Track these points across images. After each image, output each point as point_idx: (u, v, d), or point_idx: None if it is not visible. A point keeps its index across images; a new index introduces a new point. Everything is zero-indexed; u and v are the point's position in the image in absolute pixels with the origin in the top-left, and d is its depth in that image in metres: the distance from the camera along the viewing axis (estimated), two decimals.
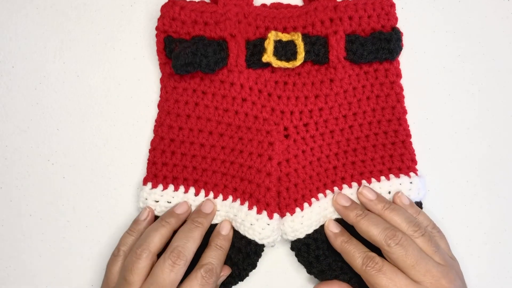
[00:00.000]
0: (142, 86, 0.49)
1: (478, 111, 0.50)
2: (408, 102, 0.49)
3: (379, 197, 0.46)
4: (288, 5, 0.49)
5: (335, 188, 0.47)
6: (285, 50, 0.45)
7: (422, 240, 0.43)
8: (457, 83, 0.51)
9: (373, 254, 0.43)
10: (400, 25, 0.49)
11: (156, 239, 0.43)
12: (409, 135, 0.48)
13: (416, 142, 0.49)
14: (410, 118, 0.49)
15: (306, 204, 0.46)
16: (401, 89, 0.48)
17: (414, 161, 0.48)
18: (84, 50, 0.50)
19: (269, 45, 0.45)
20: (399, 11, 0.50)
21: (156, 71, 0.49)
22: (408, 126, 0.48)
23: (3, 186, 0.50)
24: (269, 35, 0.45)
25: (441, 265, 0.42)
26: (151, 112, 0.49)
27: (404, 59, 0.50)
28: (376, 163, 0.48)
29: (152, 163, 0.47)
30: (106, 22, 0.50)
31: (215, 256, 0.44)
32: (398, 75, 0.48)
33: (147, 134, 0.49)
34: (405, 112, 0.48)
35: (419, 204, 0.47)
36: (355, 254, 0.43)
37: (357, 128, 0.48)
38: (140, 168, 0.49)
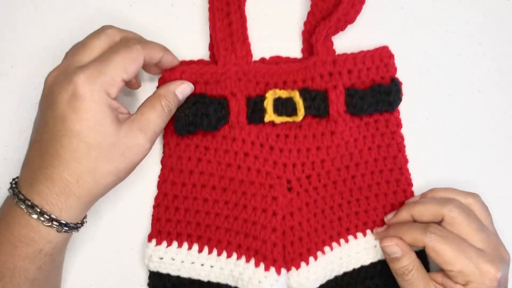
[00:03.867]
0: None
1: (478, 111, 0.50)
2: (408, 102, 0.49)
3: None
4: (287, 59, 0.49)
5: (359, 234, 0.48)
6: (285, 107, 0.46)
7: (479, 207, 0.44)
8: (457, 83, 0.51)
9: (435, 224, 0.43)
10: (400, 25, 0.49)
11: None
12: (410, 184, 0.49)
13: (416, 142, 0.49)
14: (410, 118, 0.49)
15: (311, 258, 0.46)
16: (402, 139, 0.49)
17: None
18: None
19: (269, 105, 0.46)
20: (399, 11, 0.50)
21: None
22: (410, 174, 0.49)
23: (3, 186, 0.49)
24: (267, 95, 0.46)
25: (495, 233, 0.43)
26: (155, 169, 0.49)
27: (405, 59, 0.50)
28: (379, 213, 0.48)
29: (156, 219, 0.47)
30: (106, 22, 0.50)
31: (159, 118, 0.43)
32: (399, 125, 0.48)
33: (151, 190, 0.49)
34: (406, 161, 0.49)
35: (423, 251, 0.46)
36: (412, 226, 0.43)
37: (359, 178, 0.48)
38: (145, 224, 0.49)
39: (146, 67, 0.46)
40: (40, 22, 0.50)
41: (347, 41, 0.50)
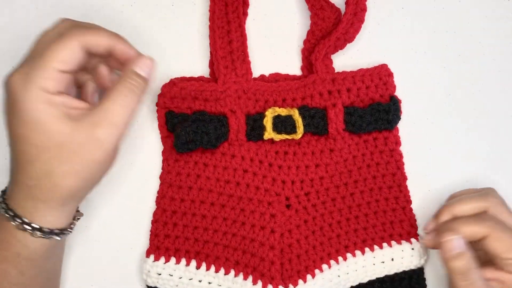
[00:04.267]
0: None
1: (478, 111, 0.50)
2: (408, 102, 0.49)
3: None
4: (287, 76, 0.50)
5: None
6: (284, 125, 0.46)
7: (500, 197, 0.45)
8: (457, 83, 0.51)
9: (487, 214, 0.43)
10: (400, 25, 0.49)
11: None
12: (409, 201, 0.48)
13: (416, 142, 0.50)
14: (411, 118, 0.49)
15: (309, 276, 0.46)
16: (401, 156, 0.49)
17: (414, 227, 0.48)
18: None
19: (268, 123, 0.46)
20: (399, 11, 0.50)
21: (157, 142, 0.49)
22: (409, 192, 0.49)
23: (3, 186, 0.49)
24: (267, 113, 0.46)
25: None
26: (153, 184, 0.49)
27: (405, 59, 0.50)
28: (378, 230, 0.48)
29: (154, 235, 0.47)
30: (106, 22, 0.50)
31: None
32: (397, 142, 0.49)
33: (149, 205, 0.49)
34: (405, 178, 0.49)
35: (421, 270, 0.47)
36: (465, 220, 0.42)
37: (358, 196, 0.48)
38: (143, 239, 0.49)
39: (105, 60, 0.43)
40: (40, 22, 0.50)
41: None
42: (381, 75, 0.48)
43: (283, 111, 0.46)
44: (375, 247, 0.47)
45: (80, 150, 0.38)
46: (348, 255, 0.47)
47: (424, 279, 0.48)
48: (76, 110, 0.39)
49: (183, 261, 0.47)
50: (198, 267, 0.47)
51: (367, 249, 0.47)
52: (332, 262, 0.47)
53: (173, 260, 0.47)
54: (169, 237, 0.47)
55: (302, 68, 0.50)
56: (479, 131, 0.50)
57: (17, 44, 0.50)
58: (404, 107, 0.48)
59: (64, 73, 0.38)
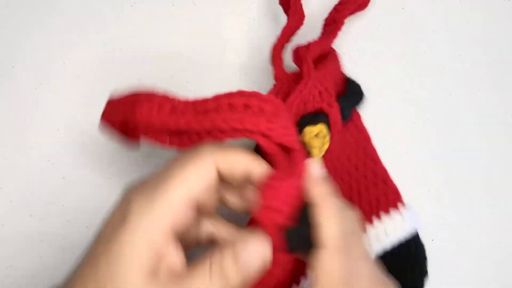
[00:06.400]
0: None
1: (478, 111, 0.51)
2: (409, 102, 0.49)
3: None
4: None
5: None
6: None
7: None
8: (457, 83, 0.51)
9: None
10: (400, 25, 0.49)
11: None
12: (387, 173, 0.47)
13: (417, 142, 0.49)
14: (411, 118, 0.49)
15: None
16: (366, 130, 0.48)
17: (398, 195, 0.47)
18: (84, 50, 0.50)
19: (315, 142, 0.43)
20: (399, 11, 0.50)
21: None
22: (382, 163, 0.48)
23: (3, 186, 0.49)
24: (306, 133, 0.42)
25: None
26: None
27: (405, 59, 0.50)
28: (365, 209, 0.47)
29: None
30: (106, 22, 0.50)
31: None
32: (359, 116, 0.48)
33: None
34: (375, 151, 0.48)
35: (415, 235, 0.47)
36: None
37: (340, 182, 0.47)
38: None
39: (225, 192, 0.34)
40: (40, 22, 0.50)
41: (347, 41, 0.50)
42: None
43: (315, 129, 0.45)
44: (367, 224, 0.46)
45: None
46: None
47: (422, 245, 0.46)
48: (170, 271, 0.29)
49: None
50: None
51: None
52: None
53: None
54: None
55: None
56: (479, 131, 0.50)
57: (17, 44, 0.50)
58: (405, 107, 0.49)
59: (189, 208, 0.30)
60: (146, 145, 0.48)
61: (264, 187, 0.31)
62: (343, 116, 0.46)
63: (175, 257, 0.29)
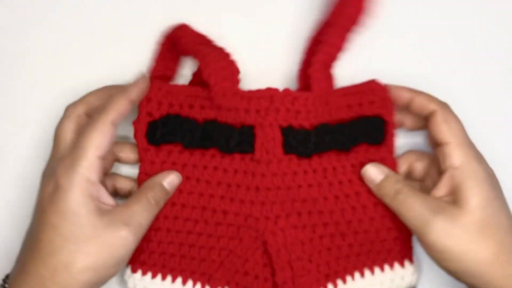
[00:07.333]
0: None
1: (478, 111, 0.50)
2: None
3: None
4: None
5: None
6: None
7: None
8: (457, 82, 0.51)
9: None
10: (400, 25, 0.49)
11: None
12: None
13: (417, 142, 0.49)
14: None
15: None
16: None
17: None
18: (83, 50, 0.50)
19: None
20: (399, 11, 0.50)
21: None
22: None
23: (3, 186, 0.50)
24: None
25: None
26: None
27: (405, 60, 0.50)
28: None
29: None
30: (106, 22, 0.50)
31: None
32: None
33: None
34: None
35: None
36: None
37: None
38: None
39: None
40: (39, 22, 0.50)
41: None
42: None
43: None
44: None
45: (106, 247, 0.38)
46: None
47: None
48: (105, 206, 0.40)
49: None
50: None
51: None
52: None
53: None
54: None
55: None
56: (479, 131, 0.50)
57: (17, 44, 0.50)
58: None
59: (100, 159, 0.39)
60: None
61: None
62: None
63: (107, 198, 0.41)
